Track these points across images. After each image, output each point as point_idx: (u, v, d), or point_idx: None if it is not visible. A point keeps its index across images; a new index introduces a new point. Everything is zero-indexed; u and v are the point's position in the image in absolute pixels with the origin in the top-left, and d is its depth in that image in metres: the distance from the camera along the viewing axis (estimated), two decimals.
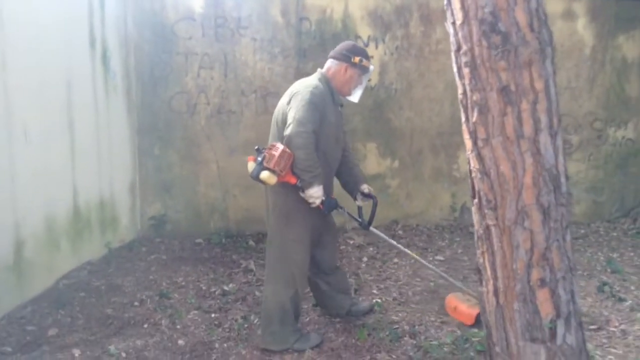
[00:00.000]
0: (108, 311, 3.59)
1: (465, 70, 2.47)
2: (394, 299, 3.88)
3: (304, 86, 3.13)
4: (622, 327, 3.50)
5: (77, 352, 3.06)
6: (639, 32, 5.89)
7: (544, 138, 2.44)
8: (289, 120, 3.01)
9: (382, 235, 3.52)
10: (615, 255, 5.17)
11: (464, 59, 2.47)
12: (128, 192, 4.95)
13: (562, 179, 2.52)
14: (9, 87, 3.34)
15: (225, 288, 3.97)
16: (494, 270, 2.65)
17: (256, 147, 3.06)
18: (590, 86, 5.89)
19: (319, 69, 3.31)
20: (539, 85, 2.40)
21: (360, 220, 3.45)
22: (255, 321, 3.48)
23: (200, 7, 4.96)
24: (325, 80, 3.23)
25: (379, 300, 3.81)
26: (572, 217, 6.02)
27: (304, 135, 2.97)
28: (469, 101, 2.52)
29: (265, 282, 3.26)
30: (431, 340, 3.27)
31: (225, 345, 3.22)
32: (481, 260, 2.72)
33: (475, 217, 2.70)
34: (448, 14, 2.53)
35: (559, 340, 2.60)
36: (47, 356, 3.01)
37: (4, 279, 3.42)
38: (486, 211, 2.58)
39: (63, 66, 3.95)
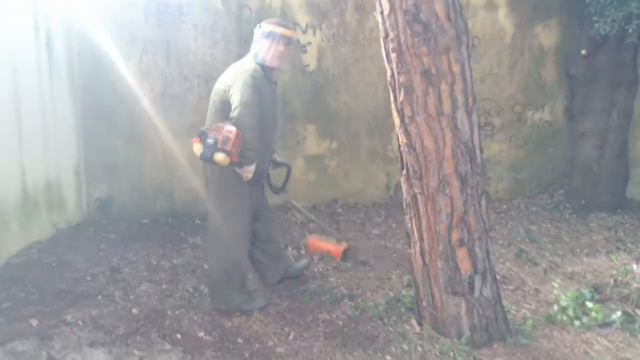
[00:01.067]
0: (61, 286, 3.74)
1: (393, 55, 2.79)
2: (334, 267, 4.21)
3: (244, 70, 3.33)
4: (536, 287, 3.94)
5: (34, 322, 3.21)
6: (554, 21, 6.39)
7: (461, 115, 2.80)
8: (235, 103, 3.22)
9: (291, 201, 4.05)
10: (533, 227, 5.67)
11: (391, 45, 2.79)
12: (73, 175, 5.05)
13: (477, 152, 2.90)
14: None
15: (175, 262, 4.19)
16: (420, 233, 3.00)
17: (202, 129, 3.23)
18: (511, 72, 6.36)
19: (250, 52, 3.48)
20: (456, 68, 2.75)
21: (270, 184, 3.72)
22: (204, 290, 3.72)
23: None
24: (258, 60, 3.41)
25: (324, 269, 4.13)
26: (496, 193, 6.54)
27: (251, 117, 3.22)
28: (396, 83, 2.84)
29: (208, 251, 3.54)
30: (367, 302, 3.60)
31: (177, 312, 3.45)
32: (409, 225, 3.07)
33: (404, 187, 3.04)
34: (377, 4, 2.84)
35: (476, 293, 2.99)
36: (4, 327, 3.15)
37: None
38: (413, 181, 2.92)
39: (8, 52, 4.02)
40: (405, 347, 3.01)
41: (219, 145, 3.11)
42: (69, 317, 3.27)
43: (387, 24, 2.78)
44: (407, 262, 4.26)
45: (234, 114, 3.21)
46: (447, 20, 2.70)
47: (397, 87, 2.85)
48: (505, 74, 6.36)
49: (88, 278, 3.88)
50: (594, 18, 5.24)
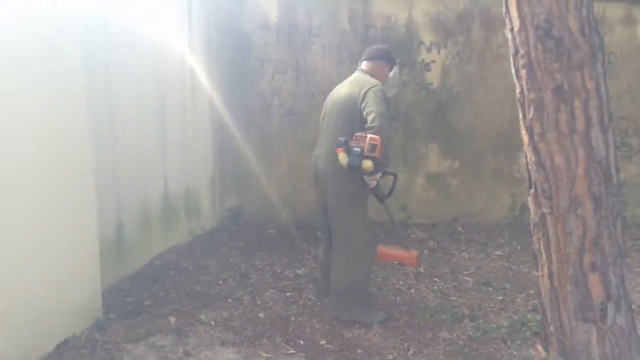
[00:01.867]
0: (196, 287, 4.03)
1: (523, 72, 2.76)
2: (454, 286, 4.16)
3: (372, 83, 3.50)
4: None
5: (172, 319, 3.49)
6: None
7: (595, 133, 2.70)
8: (373, 113, 3.32)
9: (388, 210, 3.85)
10: None
11: (521, 62, 2.76)
12: (209, 184, 5.43)
13: (613, 171, 2.77)
14: (112, 91, 3.80)
15: (298, 272, 4.36)
16: (548, 255, 2.91)
17: (343, 139, 3.28)
18: None
19: (363, 69, 3.70)
20: (590, 85, 2.66)
21: (379, 193, 3.62)
22: (326, 300, 3.83)
23: (275, 16, 5.40)
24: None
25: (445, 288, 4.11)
26: (633, 218, 6.11)
27: (388, 127, 3.38)
28: (525, 100, 2.80)
29: (335, 261, 3.60)
30: (490, 324, 3.53)
31: (300, 319, 3.58)
32: (537, 246, 2.98)
33: (532, 206, 2.96)
34: (507, 21, 2.83)
35: (609, 321, 2.84)
36: (147, 322, 3.45)
37: (107, 256, 3.90)
38: (542, 200, 2.84)
39: (159, 71, 4.44)
40: None
41: (365, 153, 3.22)
42: (203, 317, 3.51)
43: (517, 40, 2.76)
44: (532, 286, 4.17)
45: (374, 123, 3.30)
46: (581, 35, 2.62)
47: (526, 104, 2.80)
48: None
49: (220, 282, 4.14)
50: None
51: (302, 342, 3.30)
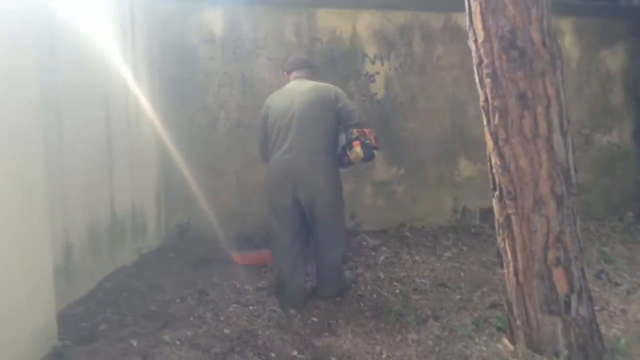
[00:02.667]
0: (152, 308, 3.88)
1: (487, 81, 2.88)
2: (414, 289, 4.25)
3: (333, 86, 4.06)
4: (621, 307, 3.90)
5: (134, 342, 3.34)
6: (621, 46, 6.40)
7: (557, 137, 2.86)
8: (356, 111, 3.96)
9: None
10: (606, 249, 5.60)
11: (485, 71, 2.88)
12: (154, 202, 5.27)
13: (572, 172, 2.94)
14: (60, 110, 3.63)
15: (258, 285, 4.30)
16: (514, 253, 3.03)
17: (353, 136, 3.82)
18: (578, 96, 6.36)
19: (302, 77, 4.16)
20: (551, 92, 2.82)
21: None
22: (292, 311, 3.81)
23: (220, 29, 5.35)
24: None
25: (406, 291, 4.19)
26: None
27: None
28: (490, 107, 2.92)
29: (327, 247, 3.98)
30: (453, 322, 3.63)
31: (267, 332, 3.53)
32: (502, 245, 3.10)
33: (496, 208, 3.09)
34: (470, 34, 2.94)
35: (573, 312, 2.99)
36: (107, 347, 3.29)
37: (57, 280, 3.69)
38: (507, 201, 2.97)
39: (103, 87, 4.28)
40: None
41: (373, 144, 3.83)
42: (166, 337, 3.38)
43: (482, 51, 2.88)
44: (485, 284, 4.33)
45: (362, 119, 3.97)
46: (543, 45, 2.78)
47: (491, 110, 2.93)
48: (572, 99, 6.31)
49: (177, 300, 4.01)
50: None
51: (273, 354, 3.25)
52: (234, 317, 3.76)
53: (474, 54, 2.96)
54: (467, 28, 2.99)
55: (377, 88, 5.81)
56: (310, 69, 4.28)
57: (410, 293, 4.17)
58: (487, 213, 6.24)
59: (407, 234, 5.82)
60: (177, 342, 3.35)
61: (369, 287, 4.27)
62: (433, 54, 5.91)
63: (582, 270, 3.03)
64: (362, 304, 3.99)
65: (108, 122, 4.35)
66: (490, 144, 3.01)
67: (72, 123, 3.78)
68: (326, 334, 3.52)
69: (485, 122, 3.01)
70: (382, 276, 4.50)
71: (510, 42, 2.76)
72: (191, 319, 3.71)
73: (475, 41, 2.91)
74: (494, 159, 3.00)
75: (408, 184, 6.02)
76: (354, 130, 3.82)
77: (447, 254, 5.21)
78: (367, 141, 3.80)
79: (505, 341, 3.26)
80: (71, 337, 3.39)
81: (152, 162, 5.23)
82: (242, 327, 3.61)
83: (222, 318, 3.73)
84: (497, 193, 3.06)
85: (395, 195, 5.99)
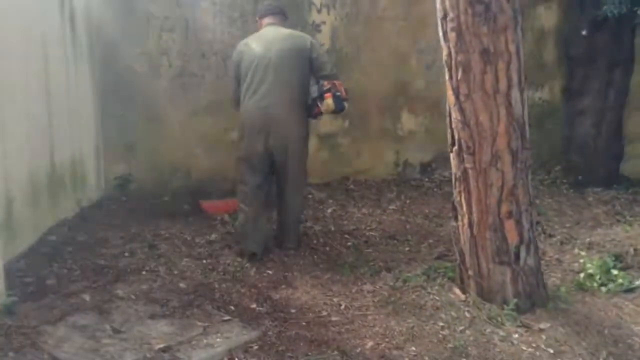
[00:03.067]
0: (101, 262, 3.77)
1: (452, 35, 2.90)
2: (365, 242, 4.34)
3: (308, 36, 4.13)
4: (556, 257, 4.15)
5: (87, 297, 3.25)
6: (555, 3, 6.58)
7: (515, 93, 2.95)
8: (328, 63, 4.01)
9: None
10: (537, 201, 5.91)
11: (450, 25, 2.90)
12: (93, 152, 5.04)
13: (526, 127, 3.04)
14: None
15: (209, 238, 4.25)
16: (469, 206, 3.14)
17: (325, 87, 3.86)
18: None
19: (275, 24, 4.08)
20: (512, 47, 2.88)
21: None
22: (245, 264, 3.81)
23: None
24: None
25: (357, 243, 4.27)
26: None
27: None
28: (453, 62, 2.96)
29: (292, 195, 4.06)
30: (405, 273, 3.75)
31: (223, 285, 3.52)
32: (458, 198, 3.20)
33: (454, 162, 3.17)
34: None
35: (521, 262, 3.16)
36: (58, 302, 3.18)
37: None
38: (465, 156, 3.05)
39: (39, 27, 3.99)
40: (453, 313, 3.16)
41: (343, 96, 3.88)
42: (120, 292, 3.32)
43: (447, 4, 2.88)
44: (430, 236, 4.48)
45: (333, 71, 4.01)
46: (506, 1, 2.81)
47: (454, 65, 2.96)
48: None
49: (126, 254, 3.91)
50: None
51: (232, 307, 3.26)
52: (187, 270, 3.71)
53: (438, 6, 2.97)
54: None
55: (324, 38, 5.72)
56: (283, 15, 4.19)
57: (361, 246, 4.25)
58: (426, 166, 6.41)
59: (352, 187, 5.89)
60: (132, 297, 3.29)
61: (321, 240, 4.32)
62: (379, 4, 5.86)
63: (532, 223, 3.19)
64: (315, 256, 4.04)
65: (46, 67, 4.07)
66: (451, 99, 3.05)
67: (8, 74, 3.52)
68: (283, 286, 3.55)
69: (447, 77, 3.04)
70: (332, 229, 4.57)
71: None
72: (144, 273, 3.65)
73: None
74: (455, 114, 3.05)
75: (352, 136, 6.05)
76: (325, 82, 3.86)
77: (392, 206, 5.33)
78: (338, 93, 3.85)
79: (457, 290, 3.40)
80: (18, 292, 3.25)
81: (90, 110, 4.97)
82: (198, 280, 3.58)
83: (175, 272, 3.68)
84: (455, 148, 3.13)
85: (339, 148, 6.02)
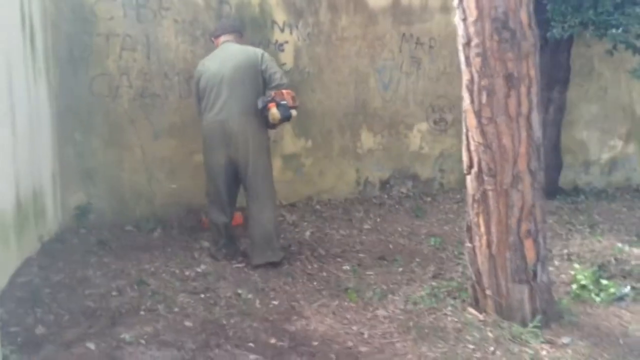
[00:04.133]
0: (89, 304, 3.44)
1: (476, 60, 2.95)
2: (358, 264, 4.29)
3: (259, 49, 4.32)
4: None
5: (91, 345, 2.96)
6: None
7: (534, 115, 3.03)
8: (278, 73, 4.10)
9: None
10: None
11: (475, 51, 2.94)
12: (51, 182, 4.63)
13: (542, 148, 3.14)
14: None
15: (198, 270, 4.01)
16: (488, 227, 3.19)
17: (269, 97, 3.97)
18: (460, 71, 6.76)
19: (230, 41, 4.28)
20: (532, 72, 2.97)
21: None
22: (248, 295, 3.63)
23: None
24: None
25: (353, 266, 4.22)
26: (449, 184, 6.94)
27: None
28: (476, 86, 3.00)
29: (261, 209, 4.11)
30: (411, 295, 3.73)
31: (232, 321, 3.34)
32: (475, 219, 3.24)
33: (472, 184, 3.20)
34: (459, 12, 2.98)
35: (538, 279, 3.24)
36: (60, 355, 2.87)
37: None
38: (486, 178, 3.10)
39: (3, 48, 3.61)
40: (476, 334, 3.18)
41: (290, 105, 3.98)
42: (126, 336, 3.04)
43: (472, 30, 2.93)
44: (417, 255, 4.51)
45: (283, 80, 4.09)
46: (529, 28, 2.90)
47: (477, 90, 3.01)
48: (457, 74, 6.70)
49: (114, 293, 3.60)
50: (552, 23, 5.73)
51: (251, 344, 3.10)
52: (188, 307, 3.48)
53: (461, 32, 3.00)
54: (456, 6, 3.01)
55: (286, 58, 5.64)
56: (238, 33, 4.43)
57: (357, 268, 4.19)
58: (384, 183, 6.47)
59: (318, 207, 5.82)
60: (142, 341, 3.04)
61: (315, 265, 4.23)
62: (338, 24, 5.87)
63: (544, 239, 3.28)
64: (315, 282, 3.94)
65: (11, 92, 3.69)
66: (472, 122, 3.09)
67: None
68: (295, 317, 3.42)
69: (467, 101, 3.08)
70: (322, 253, 4.46)
71: (503, 23, 2.84)
72: (142, 313, 3.38)
73: (465, 20, 2.95)
74: (476, 137, 3.09)
75: (314, 156, 5.98)
76: (272, 93, 4.00)
77: (366, 226, 5.31)
78: (284, 102, 3.96)
79: (472, 310, 3.43)
80: (8, 344, 2.89)
81: (47, 135, 4.56)
82: (203, 317, 3.37)
83: (176, 309, 3.44)
84: (474, 170, 3.17)
85: (302, 168, 5.93)
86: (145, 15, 4.91)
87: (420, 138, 6.63)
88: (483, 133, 3.05)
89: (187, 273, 3.96)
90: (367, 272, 4.13)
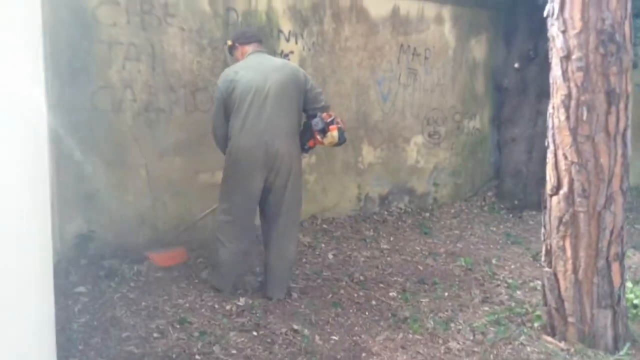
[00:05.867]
0: (130, 348, 3.01)
1: (578, 74, 2.78)
2: (401, 289, 4.04)
3: (293, 64, 4.15)
4: None
5: None
6: (484, 36, 6.90)
7: (628, 133, 2.89)
8: (320, 94, 3.81)
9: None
10: (493, 228, 6.09)
11: (576, 64, 2.77)
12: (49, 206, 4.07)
13: (628, 167, 3.01)
14: None
15: (238, 303, 3.62)
16: (575, 250, 3.02)
17: (329, 119, 3.66)
18: (453, 83, 6.70)
19: (263, 52, 3.89)
20: (629, 88, 2.83)
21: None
22: (305, 331, 3.30)
23: None
24: None
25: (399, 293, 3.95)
26: (442, 198, 6.83)
27: None
28: (574, 101, 2.82)
29: (291, 238, 3.77)
30: (469, 323, 3.52)
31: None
32: (561, 243, 3.07)
33: (559, 206, 3.03)
34: (557, 23, 2.79)
35: (621, 304, 3.10)
36: None
37: None
38: (578, 199, 2.93)
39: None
40: None
41: (343, 128, 3.70)
42: None
43: (573, 43, 2.76)
44: (450, 277, 4.31)
45: (327, 102, 3.87)
46: (630, 41, 2.77)
47: (574, 105, 2.84)
48: (449, 85, 6.68)
49: (156, 335, 3.17)
50: None
51: None
52: (245, 348, 3.11)
53: (559, 45, 2.83)
54: (553, 17, 2.83)
55: None
56: (262, 43, 4.02)
57: (405, 295, 3.93)
58: (384, 199, 6.27)
59: (325, 226, 5.53)
60: None
61: (361, 293, 3.92)
62: (342, 34, 5.62)
63: (624, 262, 3.16)
64: (367, 312, 3.65)
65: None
66: (565, 140, 2.92)
67: None
68: (364, 354, 3.13)
69: (562, 118, 2.91)
70: (361, 278, 4.17)
71: (610, 36, 2.70)
72: (198, 357, 2.97)
73: (565, 32, 2.78)
74: (569, 156, 2.92)
75: (318, 172, 5.69)
76: (324, 114, 3.68)
77: (383, 246, 5.08)
78: (340, 125, 3.69)
79: (549, 339, 3.26)
80: None
81: (44, 155, 4.00)
82: (265, 359, 3.00)
83: (233, 351, 3.06)
84: (564, 191, 3.00)
85: (307, 185, 5.61)
86: (150, 23, 4.45)
87: (416, 151, 6.50)
88: (578, 152, 2.88)
89: (228, 307, 3.56)
90: (416, 299, 3.87)
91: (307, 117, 3.81)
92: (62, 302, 3.47)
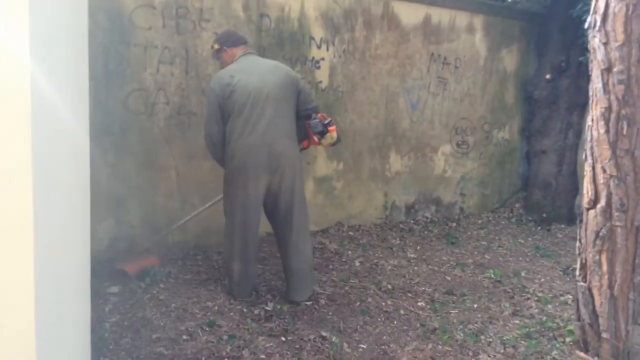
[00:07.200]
0: (160, 350, 3.03)
1: (619, 87, 2.73)
2: (430, 300, 4.00)
3: (283, 65, 3.90)
4: None
5: None
6: (515, 47, 6.85)
7: None
8: (310, 95, 3.85)
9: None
10: (521, 240, 6.02)
11: (617, 77, 2.72)
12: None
13: None
14: None
15: (267, 308, 3.62)
16: (612, 266, 2.96)
17: (327, 120, 3.72)
18: (482, 93, 6.66)
19: (253, 53, 3.88)
20: None
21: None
22: (333, 338, 3.28)
23: None
24: None
25: (428, 303, 3.91)
26: (469, 209, 6.77)
27: None
28: (614, 115, 2.78)
29: (305, 240, 3.75)
30: (500, 336, 3.48)
31: None
32: (597, 257, 3.01)
33: (596, 220, 2.98)
34: (599, 35, 2.75)
35: None
36: None
37: None
38: (616, 214, 2.87)
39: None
40: None
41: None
42: None
43: (615, 55, 2.72)
44: (478, 289, 4.26)
45: (315, 102, 3.91)
46: None
47: (614, 119, 2.79)
48: (479, 95, 6.64)
49: (185, 337, 3.19)
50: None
51: None
52: (274, 353, 3.11)
53: (600, 57, 2.79)
54: (594, 29, 2.80)
55: (322, 76, 5.33)
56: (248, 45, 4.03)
57: (434, 305, 3.90)
58: (410, 208, 6.24)
59: (351, 233, 5.52)
60: None
61: (389, 302, 3.90)
62: (372, 42, 5.63)
63: None
64: (395, 321, 3.63)
65: None
66: (604, 153, 2.87)
67: None
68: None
69: (602, 131, 2.86)
70: (389, 287, 4.15)
71: None
72: None
73: (606, 44, 2.74)
74: (608, 170, 2.88)
75: (345, 179, 5.69)
76: (319, 115, 3.74)
77: (410, 255, 5.05)
78: (334, 126, 3.76)
79: (582, 354, 3.20)
80: None
81: (86, 155, 4.06)
82: None
83: (262, 356, 3.06)
84: (601, 205, 2.95)
85: (333, 191, 5.62)
86: (185, 27, 4.50)
87: (444, 161, 6.47)
88: (617, 165, 2.84)
89: (256, 312, 3.56)
90: (445, 309, 3.84)
91: (299, 117, 3.79)
92: (93, 301, 3.52)
